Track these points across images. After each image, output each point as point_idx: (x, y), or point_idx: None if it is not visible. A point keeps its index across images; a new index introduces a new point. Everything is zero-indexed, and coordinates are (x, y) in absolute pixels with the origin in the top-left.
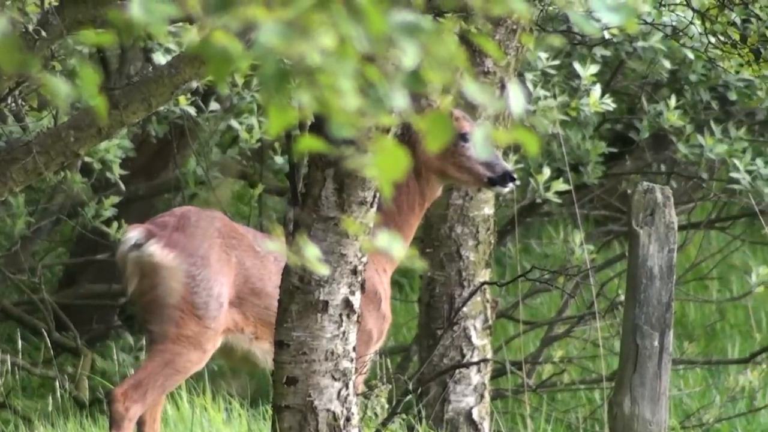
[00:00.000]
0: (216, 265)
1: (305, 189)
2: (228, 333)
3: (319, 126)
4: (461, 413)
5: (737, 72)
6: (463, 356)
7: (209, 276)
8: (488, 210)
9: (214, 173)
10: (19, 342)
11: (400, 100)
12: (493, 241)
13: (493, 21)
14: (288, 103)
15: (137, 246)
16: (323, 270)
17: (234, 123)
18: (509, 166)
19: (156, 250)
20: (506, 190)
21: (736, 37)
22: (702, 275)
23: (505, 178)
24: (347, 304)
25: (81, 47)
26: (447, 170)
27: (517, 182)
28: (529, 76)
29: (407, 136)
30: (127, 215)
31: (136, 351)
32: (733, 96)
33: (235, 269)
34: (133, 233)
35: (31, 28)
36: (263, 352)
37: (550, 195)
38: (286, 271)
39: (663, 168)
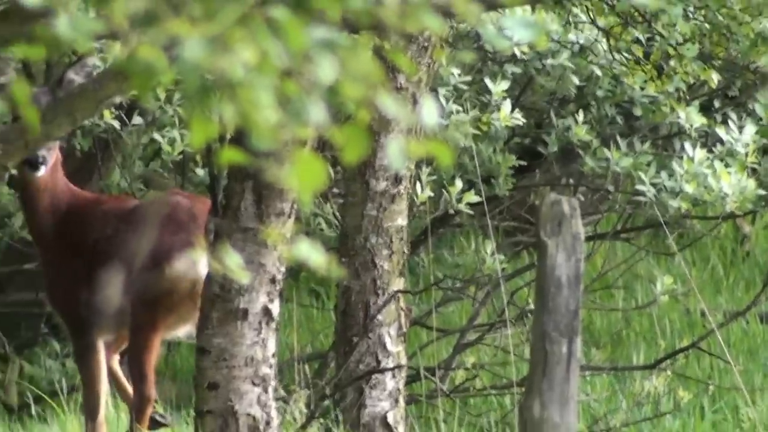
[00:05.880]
0: None
1: (225, 200)
2: None
3: (238, 139)
4: (377, 418)
5: (642, 88)
6: (379, 362)
7: None
8: (402, 221)
9: (137, 185)
10: None
11: (317, 113)
12: (406, 251)
13: (405, 38)
14: (209, 116)
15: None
16: (244, 278)
17: (157, 136)
18: None
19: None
20: None
21: (640, 54)
22: (608, 284)
23: None
24: (266, 311)
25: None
26: None
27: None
28: (441, 91)
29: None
30: None
31: (62, 357)
32: (637, 111)
33: None
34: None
35: None
36: None
37: (462, 206)
38: (208, 280)
39: (570, 180)
